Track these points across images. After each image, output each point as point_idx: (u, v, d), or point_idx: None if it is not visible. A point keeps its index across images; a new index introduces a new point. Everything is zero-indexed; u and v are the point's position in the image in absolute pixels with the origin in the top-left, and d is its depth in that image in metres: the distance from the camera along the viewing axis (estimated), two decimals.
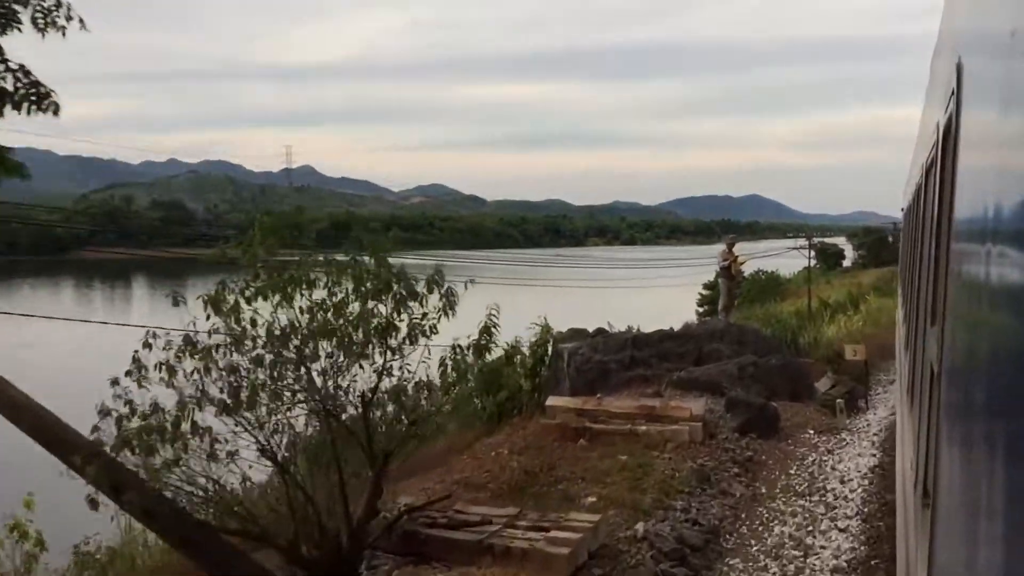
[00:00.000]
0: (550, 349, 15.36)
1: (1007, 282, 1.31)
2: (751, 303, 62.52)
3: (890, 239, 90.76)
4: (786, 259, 66.66)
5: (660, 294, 58.18)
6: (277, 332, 6.90)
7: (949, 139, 2.70)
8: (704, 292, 70.95)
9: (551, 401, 12.85)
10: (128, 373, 6.69)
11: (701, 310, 69.79)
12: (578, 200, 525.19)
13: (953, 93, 2.46)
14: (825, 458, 12.17)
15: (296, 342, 6.96)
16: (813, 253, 62.87)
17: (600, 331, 16.94)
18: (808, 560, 8.58)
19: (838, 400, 14.75)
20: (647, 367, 14.76)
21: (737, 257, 19.57)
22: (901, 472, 5.24)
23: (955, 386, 2.09)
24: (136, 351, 6.75)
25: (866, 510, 9.96)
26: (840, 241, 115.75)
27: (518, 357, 14.68)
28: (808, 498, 10.51)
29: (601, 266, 62.27)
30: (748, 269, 78.79)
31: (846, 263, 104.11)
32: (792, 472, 11.55)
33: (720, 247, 20.44)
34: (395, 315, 7.04)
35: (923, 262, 4.18)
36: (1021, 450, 1.14)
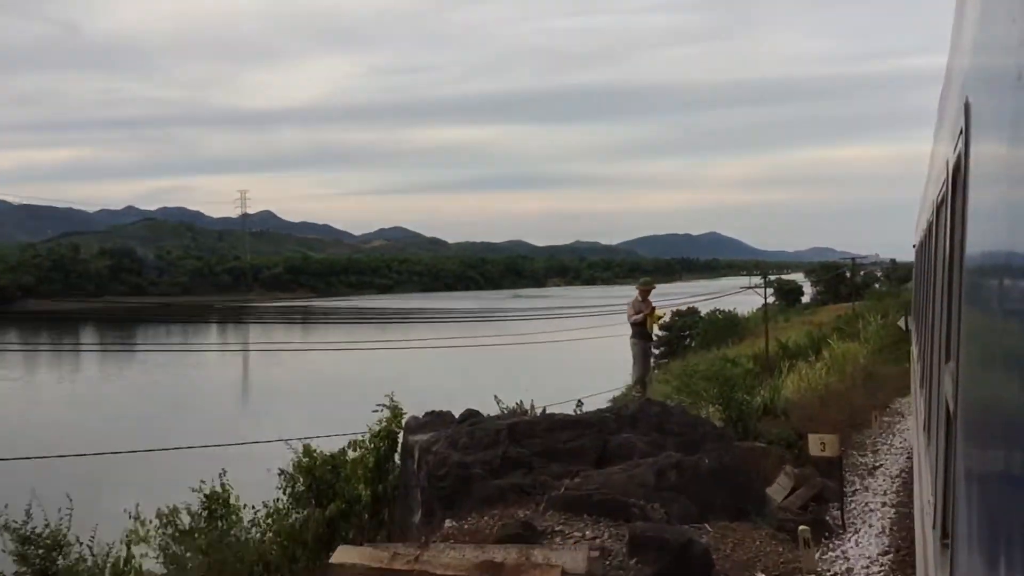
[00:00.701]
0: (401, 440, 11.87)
1: (1020, 317, 1.33)
2: (707, 346, 60.42)
3: (848, 275, 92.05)
4: (744, 296, 66.47)
5: (606, 344, 55.76)
6: None
7: (959, 176, 2.76)
8: (660, 333, 69.46)
9: (339, 556, 8.14)
10: None
11: (657, 352, 67.90)
12: (539, 240, 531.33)
13: (962, 132, 2.52)
14: None
15: None
16: (771, 290, 62.09)
17: (471, 414, 12.26)
18: None
19: (801, 528, 9.29)
20: (526, 471, 10.34)
21: (654, 309, 14.68)
22: (920, 510, 5.25)
23: (971, 423, 2.09)
24: None
25: None
26: (799, 277, 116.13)
27: (359, 452, 11.65)
28: None
29: (563, 315, 60.60)
30: (705, 308, 75.18)
31: (805, 299, 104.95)
32: None
33: (632, 295, 15.22)
34: None
35: (937, 299, 4.23)
36: None
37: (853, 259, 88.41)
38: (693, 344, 67.47)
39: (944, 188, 3.76)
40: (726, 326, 66.08)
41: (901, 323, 20.22)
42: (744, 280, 63.47)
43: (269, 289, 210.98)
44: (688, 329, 71.22)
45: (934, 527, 3.27)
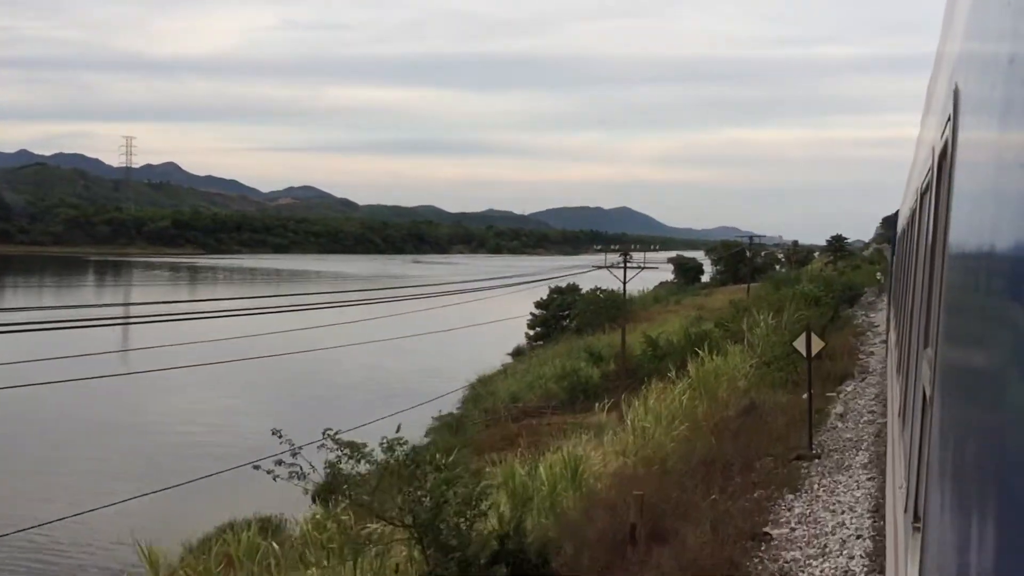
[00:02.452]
0: None
1: (1001, 305, 1.35)
2: (588, 328, 55.15)
3: (748, 254, 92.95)
4: (643, 272, 62.69)
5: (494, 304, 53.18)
6: None
7: (945, 163, 2.80)
8: (537, 312, 62.97)
9: None
10: None
11: (532, 332, 62.12)
12: (452, 207, 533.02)
13: (950, 118, 2.55)
14: None
15: None
16: (643, 268, 54.85)
17: None
18: None
19: None
20: None
21: None
22: (892, 496, 5.42)
23: (948, 409, 2.15)
24: None
25: None
26: (700, 255, 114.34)
27: None
28: None
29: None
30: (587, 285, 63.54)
31: (705, 278, 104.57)
32: None
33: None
34: None
35: (917, 285, 4.31)
36: (1013, 474, 1.17)
37: (751, 238, 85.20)
38: (573, 324, 61.40)
39: (929, 175, 3.83)
40: (606, 307, 58.73)
41: (799, 343, 14.95)
42: (614, 256, 55.54)
43: (153, 243, 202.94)
44: (567, 308, 63.75)
45: (905, 511, 3.37)
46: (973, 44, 2.17)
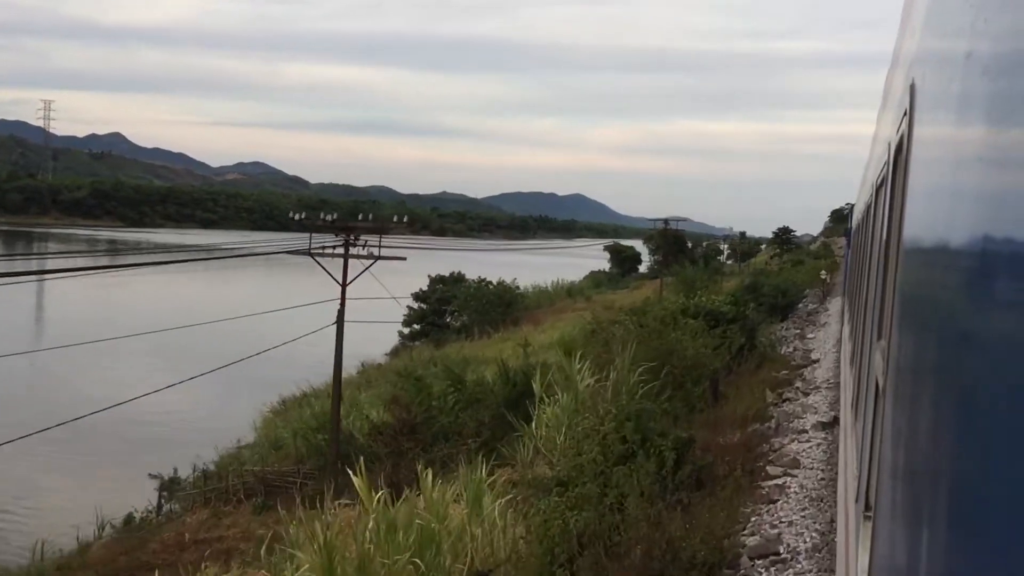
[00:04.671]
0: None
1: (953, 298, 1.42)
2: (475, 328, 45.05)
3: (689, 244, 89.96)
4: (577, 258, 55.93)
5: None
6: None
7: (900, 158, 2.88)
8: (415, 305, 51.15)
9: None
10: None
11: (407, 331, 50.49)
12: (405, 188, 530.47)
13: (906, 113, 2.65)
14: None
15: None
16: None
17: None
18: None
19: None
20: None
21: None
22: (843, 485, 5.58)
23: (899, 400, 2.23)
24: None
25: None
26: (638, 244, 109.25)
27: None
28: None
29: None
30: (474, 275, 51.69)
31: (643, 268, 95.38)
32: None
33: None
34: None
35: (871, 278, 4.41)
36: (962, 463, 1.23)
37: (665, 222, 75.84)
38: (459, 323, 51.07)
39: (885, 169, 3.91)
40: (496, 302, 49.27)
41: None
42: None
43: (69, 214, 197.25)
44: (449, 302, 52.78)
45: (857, 500, 3.50)
46: (930, 40, 2.23)
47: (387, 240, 30.52)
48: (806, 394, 15.41)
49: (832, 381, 15.65)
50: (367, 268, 28.51)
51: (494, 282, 52.80)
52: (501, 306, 49.25)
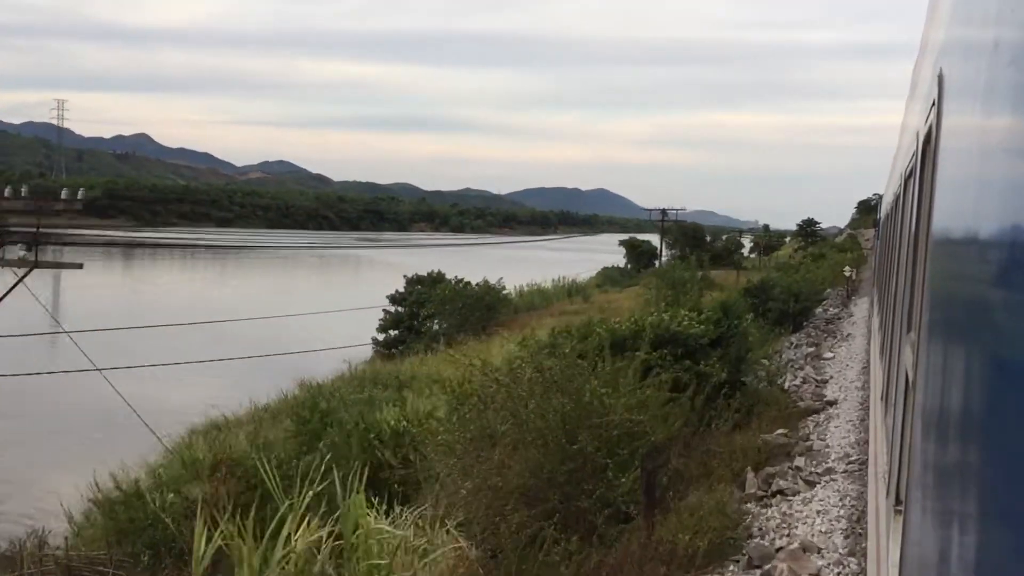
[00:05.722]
0: None
1: (984, 290, 1.42)
2: (457, 333, 38.89)
3: (708, 238, 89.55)
4: (584, 254, 51.75)
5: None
6: None
7: (929, 148, 2.89)
8: (391, 309, 46.57)
9: None
10: None
11: (382, 337, 45.14)
12: (428, 185, 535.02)
13: (934, 103, 2.65)
14: None
15: None
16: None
17: None
18: None
19: None
20: None
21: None
22: (874, 479, 5.57)
23: (930, 393, 2.23)
24: None
25: None
26: (655, 238, 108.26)
27: None
28: None
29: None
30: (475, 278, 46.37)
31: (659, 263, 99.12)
32: None
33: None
34: None
35: (901, 270, 4.41)
36: (994, 457, 1.23)
37: (663, 211, 73.40)
38: (437, 328, 44.88)
39: (913, 160, 3.91)
40: (476, 305, 44.19)
41: None
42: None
43: (83, 215, 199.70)
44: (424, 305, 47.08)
45: (888, 494, 3.49)
46: (958, 29, 2.24)
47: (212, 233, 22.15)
48: (810, 483, 10.09)
49: (856, 455, 10.78)
50: (21, 280, 20.80)
51: (492, 282, 48.76)
52: (481, 309, 44.19)
